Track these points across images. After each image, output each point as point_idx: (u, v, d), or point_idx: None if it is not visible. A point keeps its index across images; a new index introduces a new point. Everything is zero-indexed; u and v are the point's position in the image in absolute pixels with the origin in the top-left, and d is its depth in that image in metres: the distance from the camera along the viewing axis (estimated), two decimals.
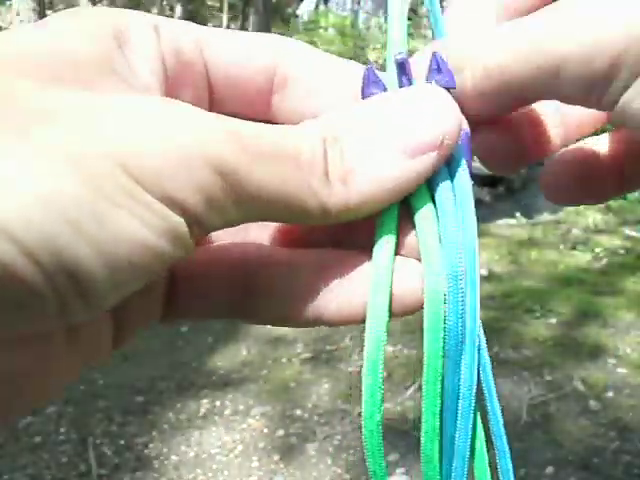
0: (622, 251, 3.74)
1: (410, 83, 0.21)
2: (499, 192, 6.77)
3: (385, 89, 0.21)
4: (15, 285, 0.13)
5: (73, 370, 0.19)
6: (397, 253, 0.21)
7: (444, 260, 0.20)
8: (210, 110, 0.17)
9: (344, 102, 0.21)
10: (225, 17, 8.42)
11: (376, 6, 14.92)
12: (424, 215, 0.20)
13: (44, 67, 0.16)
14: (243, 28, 8.58)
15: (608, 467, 1.79)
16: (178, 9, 11.69)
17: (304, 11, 14.24)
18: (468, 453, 0.22)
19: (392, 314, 0.20)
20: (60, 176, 0.14)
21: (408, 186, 0.19)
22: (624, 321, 2.64)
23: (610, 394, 2.12)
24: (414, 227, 0.21)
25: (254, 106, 0.22)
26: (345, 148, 0.18)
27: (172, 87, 0.20)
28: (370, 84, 0.21)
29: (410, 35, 12.03)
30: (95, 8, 0.19)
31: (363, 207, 0.19)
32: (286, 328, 2.70)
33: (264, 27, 7.79)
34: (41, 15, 7.56)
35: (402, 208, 0.21)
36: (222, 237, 0.24)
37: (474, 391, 0.22)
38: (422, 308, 0.21)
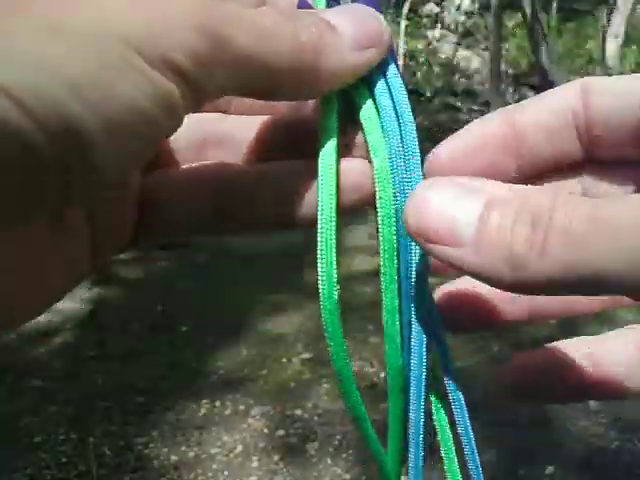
0: None
1: (338, 3, 0.25)
2: None
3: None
4: (14, 141, 0.14)
5: (56, 280, 0.20)
6: (342, 152, 0.24)
7: (389, 151, 0.23)
8: None
9: None
10: None
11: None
12: (367, 109, 0.24)
13: None
14: None
15: (608, 467, 1.79)
16: None
17: None
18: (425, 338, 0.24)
19: (343, 208, 0.23)
20: (60, 44, 0.15)
21: (356, 72, 0.22)
22: (624, 321, 2.64)
23: None
24: (356, 124, 0.24)
25: None
26: (311, 31, 0.21)
27: None
28: (304, 5, 0.24)
29: (410, 35, 12.02)
30: None
31: (328, 79, 0.22)
32: (286, 328, 2.70)
33: None
34: None
35: (343, 111, 0.24)
36: (187, 158, 0.26)
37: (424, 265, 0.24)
38: (369, 201, 0.24)
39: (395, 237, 0.23)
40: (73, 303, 2.96)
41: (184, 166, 0.25)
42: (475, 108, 9.27)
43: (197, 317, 2.85)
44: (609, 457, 1.83)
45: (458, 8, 12.95)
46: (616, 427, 1.95)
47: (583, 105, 0.23)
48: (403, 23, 11.29)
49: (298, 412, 2.09)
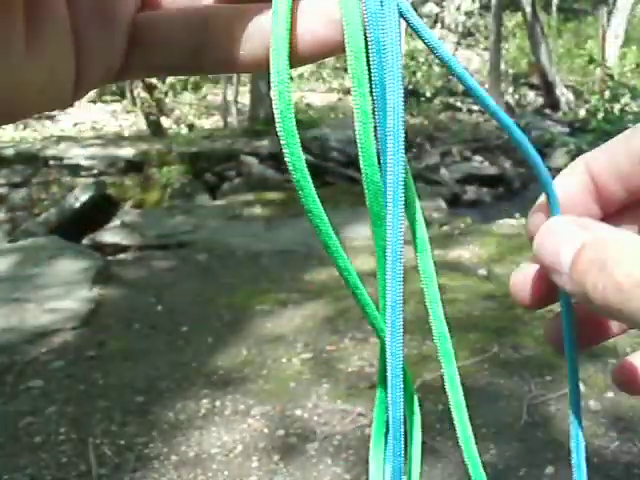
0: None
1: None
2: (499, 192, 6.77)
3: None
4: None
5: (38, 90, 0.20)
6: None
7: None
8: None
9: None
10: None
11: None
12: None
13: None
14: None
15: (608, 467, 1.79)
16: None
17: None
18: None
19: (301, 47, 0.21)
20: None
21: None
22: None
23: (610, 394, 2.12)
24: None
25: None
26: None
27: None
28: None
29: (410, 35, 12.01)
30: None
31: None
32: (286, 328, 2.70)
33: None
34: None
35: None
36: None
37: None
38: (329, 47, 0.21)
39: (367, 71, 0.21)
40: (73, 303, 2.96)
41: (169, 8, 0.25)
42: (475, 108, 9.27)
43: (197, 317, 2.85)
44: (609, 457, 1.83)
45: (458, 8, 12.94)
46: (616, 427, 1.95)
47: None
48: (403, 23, 11.29)
49: (298, 412, 2.09)
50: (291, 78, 0.21)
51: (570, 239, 0.25)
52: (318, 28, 0.21)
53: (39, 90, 0.21)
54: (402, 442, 0.25)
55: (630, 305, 0.21)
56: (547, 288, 0.29)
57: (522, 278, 0.31)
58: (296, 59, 0.21)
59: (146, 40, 0.24)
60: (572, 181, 0.28)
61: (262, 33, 0.22)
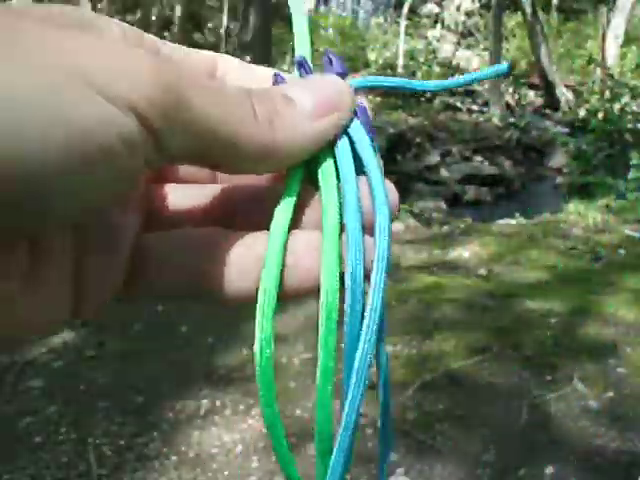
0: (622, 251, 3.74)
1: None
2: (499, 192, 6.77)
3: None
4: None
5: (28, 320, 0.20)
6: (299, 223, 0.24)
7: (347, 235, 0.23)
8: None
9: None
10: (225, 17, 8.41)
11: (376, 6, 14.91)
12: (327, 174, 0.24)
13: (44, 19, 0.20)
14: (243, 28, 8.56)
15: (608, 467, 1.79)
16: (178, 9, 11.68)
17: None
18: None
19: (285, 292, 0.23)
20: (14, 71, 0.16)
21: (315, 142, 0.23)
22: (624, 321, 2.65)
23: (610, 394, 2.12)
24: (318, 196, 0.24)
25: None
26: (266, 104, 0.22)
27: None
28: (279, 82, 0.25)
29: (409, 35, 12.03)
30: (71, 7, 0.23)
31: (284, 153, 0.22)
32: (287, 328, 2.70)
33: (264, 27, 7.79)
34: None
35: (305, 181, 0.24)
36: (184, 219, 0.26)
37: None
38: (316, 290, 0.23)
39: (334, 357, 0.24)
40: None
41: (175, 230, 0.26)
42: (475, 108, 9.26)
43: (197, 317, 2.85)
44: (609, 457, 1.83)
45: (458, 8, 12.94)
46: (616, 427, 1.95)
47: None
48: (403, 23, 11.30)
49: (298, 412, 2.09)
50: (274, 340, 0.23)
51: None
52: (302, 283, 0.23)
53: (29, 319, 0.20)
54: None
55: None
56: None
57: None
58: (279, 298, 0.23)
59: (145, 264, 0.24)
60: None
61: (253, 259, 0.23)
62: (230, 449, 1.94)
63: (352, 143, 0.24)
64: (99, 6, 10.19)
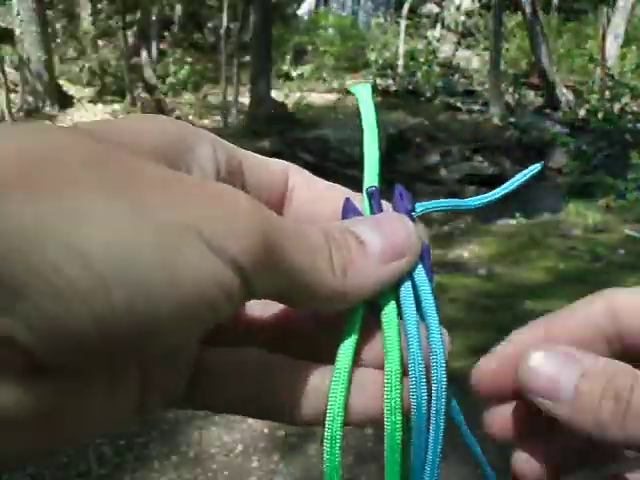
0: (622, 251, 3.74)
1: (380, 209, 0.27)
2: None
3: (360, 214, 0.27)
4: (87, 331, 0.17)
5: (91, 420, 0.21)
6: (360, 358, 0.25)
7: (410, 373, 0.24)
8: None
9: (330, 219, 0.27)
10: (225, 17, 8.41)
11: (376, 6, 14.91)
12: (389, 315, 0.25)
13: (146, 153, 0.21)
14: (243, 28, 8.56)
15: (608, 467, 1.78)
16: (178, 9, 11.68)
17: (304, 11, 14.23)
18: None
19: (350, 421, 0.24)
20: (135, 229, 0.17)
21: (382, 285, 0.24)
22: None
23: None
24: (379, 332, 0.25)
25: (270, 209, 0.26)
26: (342, 251, 0.23)
27: None
28: (349, 210, 0.27)
29: (410, 35, 12.02)
30: (168, 118, 0.25)
31: (353, 297, 0.24)
32: None
33: (264, 27, 7.78)
34: (41, 15, 7.47)
35: (368, 317, 0.25)
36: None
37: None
38: (381, 421, 0.24)
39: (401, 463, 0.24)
40: None
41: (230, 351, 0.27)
42: (475, 108, 9.26)
43: None
44: None
45: (458, 8, 12.94)
46: None
47: (612, 324, 0.27)
48: (403, 23, 11.30)
49: None
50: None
51: (568, 367, 0.25)
52: (366, 410, 0.25)
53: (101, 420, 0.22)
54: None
55: None
56: (508, 388, 0.28)
57: (490, 369, 0.30)
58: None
59: (205, 377, 0.26)
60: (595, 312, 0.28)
61: (317, 394, 0.25)
62: (230, 449, 1.94)
63: (414, 286, 0.25)
64: (99, 6, 10.19)
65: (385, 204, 0.27)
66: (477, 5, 12.75)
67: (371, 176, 0.28)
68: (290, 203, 0.29)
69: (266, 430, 2.02)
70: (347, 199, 0.27)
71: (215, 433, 2.01)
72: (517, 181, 0.28)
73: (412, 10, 12.30)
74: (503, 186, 0.28)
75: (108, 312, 0.16)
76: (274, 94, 8.39)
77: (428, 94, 9.84)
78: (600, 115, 7.68)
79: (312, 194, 0.29)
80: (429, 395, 0.24)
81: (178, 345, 0.20)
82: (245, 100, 8.35)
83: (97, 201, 0.17)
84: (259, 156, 0.29)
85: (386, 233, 0.24)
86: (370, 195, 0.27)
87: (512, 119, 8.23)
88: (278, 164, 0.29)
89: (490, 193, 0.28)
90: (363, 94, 0.29)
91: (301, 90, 9.63)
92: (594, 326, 0.27)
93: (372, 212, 0.27)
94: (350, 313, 0.25)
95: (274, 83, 8.86)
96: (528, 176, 0.28)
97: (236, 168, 0.26)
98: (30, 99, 7.78)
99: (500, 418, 0.30)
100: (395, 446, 0.24)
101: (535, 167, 0.28)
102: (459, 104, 9.39)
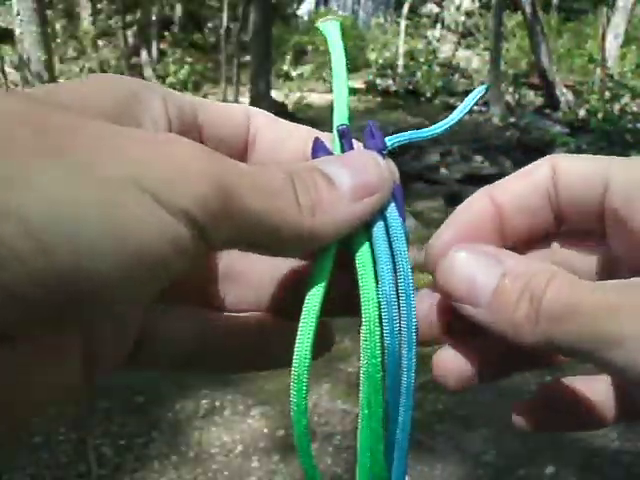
0: None
1: (351, 148, 0.26)
2: None
3: (330, 153, 0.26)
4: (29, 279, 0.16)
5: (38, 390, 0.20)
6: (332, 293, 0.25)
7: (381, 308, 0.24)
8: None
9: (297, 160, 0.27)
10: (225, 17, 8.42)
11: (376, 6, 14.91)
12: (363, 257, 0.24)
13: (91, 112, 0.21)
14: (243, 28, 8.56)
15: (608, 467, 1.79)
16: (178, 9, 11.68)
17: (304, 11, 14.22)
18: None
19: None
20: (78, 187, 0.17)
21: (354, 223, 0.24)
22: None
23: None
24: (353, 269, 0.25)
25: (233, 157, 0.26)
26: (309, 191, 0.22)
27: None
28: (319, 150, 0.26)
29: (410, 35, 12.02)
30: (120, 76, 0.25)
31: (324, 237, 0.23)
32: None
33: (264, 27, 7.78)
34: (41, 15, 7.51)
35: (340, 259, 0.25)
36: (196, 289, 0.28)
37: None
38: None
39: (382, 403, 0.25)
40: None
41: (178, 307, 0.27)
42: (475, 108, 9.26)
43: None
44: (609, 457, 1.83)
45: (458, 8, 12.95)
46: (616, 427, 1.95)
47: (553, 184, 0.26)
48: (403, 23, 11.30)
49: None
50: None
51: (486, 269, 0.24)
52: None
53: (42, 388, 0.21)
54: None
55: (565, 333, 0.21)
56: (450, 319, 0.27)
57: (426, 309, 0.28)
58: None
59: (151, 337, 0.26)
60: (476, 209, 0.27)
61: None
62: (230, 449, 1.94)
63: (387, 226, 0.25)
64: (99, 6, 10.20)
65: (356, 143, 0.27)
66: (477, 5, 12.75)
67: (341, 114, 0.27)
68: (253, 147, 0.28)
69: (266, 430, 2.02)
70: (317, 138, 0.26)
71: (215, 433, 2.01)
72: (469, 103, 0.29)
73: (412, 10, 12.30)
74: (457, 109, 0.29)
75: (51, 274, 0.16)
76: (274, 94, 8.39)
77: (428, 94, 9.84)
78: (600, 115, 7.68)
79: (277, 134, 0.28)
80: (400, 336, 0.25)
81: (130, 302, 0.20)
82: (245, 100, 8.35)
83: (34, 165, 0.16)
84: (220, 104, 0.28)
85: (356, 170, 0.24)
86: (341, 134, 0.26)
87: (512, 119, 8.23)
88: (239, 108, 0.28)
89: (449, 117, 0.29)
90: (332, 31, 0.29)
91: (301, 90, 9.63)
92: (539, 190, 0.27)
93: (343, 151, 0.26)
94: (321, 254, 0.24)
95: (274, 83, 8.86)
96: (477, 98, 0.29)
97: (190, 120, 0.26)
98: None
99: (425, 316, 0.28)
100: (377, 387, 0.25)
101: (482, 88, 0.29)
102: (459, 104, 9.38)
